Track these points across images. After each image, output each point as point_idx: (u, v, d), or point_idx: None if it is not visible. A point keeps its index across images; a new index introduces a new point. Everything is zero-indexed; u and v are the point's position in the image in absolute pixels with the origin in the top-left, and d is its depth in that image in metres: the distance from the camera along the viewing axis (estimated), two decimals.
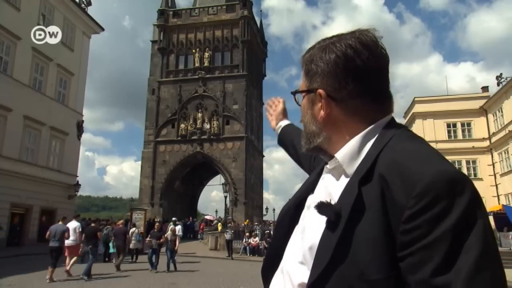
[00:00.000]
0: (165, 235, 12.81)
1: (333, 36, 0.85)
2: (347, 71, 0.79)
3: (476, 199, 0.62)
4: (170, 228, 13.46)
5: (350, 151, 0.78)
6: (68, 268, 10.77)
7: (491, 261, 0.59)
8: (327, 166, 0.85)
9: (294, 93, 0.93)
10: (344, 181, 0.78)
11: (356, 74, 0.79)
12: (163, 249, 12.77)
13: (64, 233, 10.58)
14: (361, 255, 0.66)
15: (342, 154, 0.79)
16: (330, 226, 0.71)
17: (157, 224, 14.41)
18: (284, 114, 1.52)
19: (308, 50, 0.89)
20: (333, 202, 0.74)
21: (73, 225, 11.45)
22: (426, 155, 0.68)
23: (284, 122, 1.48)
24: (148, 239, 12.82)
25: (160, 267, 12.29)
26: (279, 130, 1.48)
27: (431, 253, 0.59)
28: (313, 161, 1.24)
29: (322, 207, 0.74)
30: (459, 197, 0.61)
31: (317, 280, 0.70)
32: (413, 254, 0.61)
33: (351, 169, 0.77)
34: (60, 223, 11.16)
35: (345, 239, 0.68)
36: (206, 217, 40.24)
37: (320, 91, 0.81)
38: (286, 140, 1.43)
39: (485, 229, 0.60)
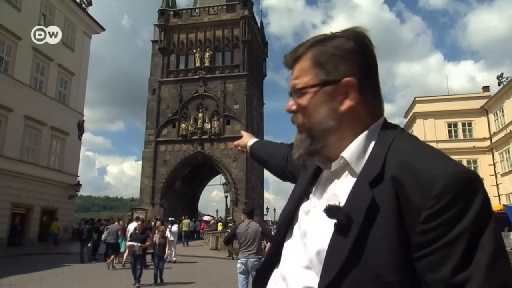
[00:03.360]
0: (153, 238, 10.34)
1: (330, 32, 0.84)
2: (367, 59, 0.79)
3: (487, 197, 0.65)
4: (159, 229, 11.05)
5: (357, 150, 0.77)
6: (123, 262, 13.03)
7: (503, 255, 0.62)
8: (328, 169, 0.83)
9: (301, 88, 0.81)
10: (349, 181, 0.77)
11: (371, 63, 0.79)
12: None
13: (118, 231, 13.08)
14: (376, 258, 0.66)
15: (349, 153, 0.77)
16: (341, 230, 0.70)
17: (139, 223, 10.76)
18: (249, 136, 1.60)
19: (300, 46, 0.85)
20: (339, 203, 0.73)
21: (135, 225, 13.06)
22: (436, 156, 0.69)
23: (251, 142, 1.53)
24: (128, 243, 9.75)
25: (150, 278, 9.80)
26: (248, 149, 1.53)
27: (451, 252, 0.61)
28: (286, 162, 1.25)
29: (331, 211, 0.73)
30: (475, 196, 0.63)
31: (329, 285, 0.69)
32: (433, 253, 0.63)
33: (358, 168, 0.76)
34: (116, 223, 14.15)
35: (359, 243, 0.68)
36: (204, 217, 40.27)
37: (350, 79, 0.77)
38: (256, 155, 1.49)
39: (494, 226, 0.64)
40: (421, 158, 0.68)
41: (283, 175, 1.29)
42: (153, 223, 18.63)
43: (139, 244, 9.28)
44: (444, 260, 0.62)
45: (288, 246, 0.86)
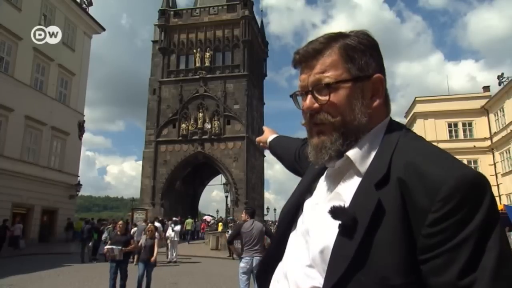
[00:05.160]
0: (140, 241, 8.70)
1: (339, 32, 0.84)
2: (381, 59, 0.81)
3: (495, 200, 0.65)
4: (147, 229, 9.08)
5: (363, 149, 0.76)
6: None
7: (510, 256, 0.62)
8: (332, 167, 0.82)
9: (332, 83, 0.76)
10: (354, 181, 0.76)
11: (382, 62, 0.81)
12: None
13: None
14: (381, 260, 0.65)
15: (355, 152, 0.77)
16: (346, 232, 0.69)
17: (120, 223, 8.79)
18: (270, 132, 1.60)
19: (316, 41, 0.81)
20: (343, 204, 0.72)
21: (157, 225, 14.80)
22: (442, 158, 0.69)
23: (270, 138, 1.53)
24: (107, 246, 7.87)
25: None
26: (268, 145, 1.54)
27: (457, 255, 0.61)
28: (297, 158, 1.25)
29: (336, 212, 0.71)
30: (483, 199, 0.63)
31: (333, 287, 0.69)
32: (438, 256, 0.62)
33: (363, 168, 0.75)
34: (143, 223, 15.64)
35: (364, 245, 0.67)
36: (204, 217, 40.32)
37: (380, 75, 0.78)
38: (273, 150, 1.51)
39: (501, 228, 0.64)
40: (428, 160, 0.68)
41: (296, 171, 1.29)
42: (167, 221, 18.42)
43: (120, 248, 7.46)
44: (450, 263, 0.61)
45: (292, 242, 0.85)
